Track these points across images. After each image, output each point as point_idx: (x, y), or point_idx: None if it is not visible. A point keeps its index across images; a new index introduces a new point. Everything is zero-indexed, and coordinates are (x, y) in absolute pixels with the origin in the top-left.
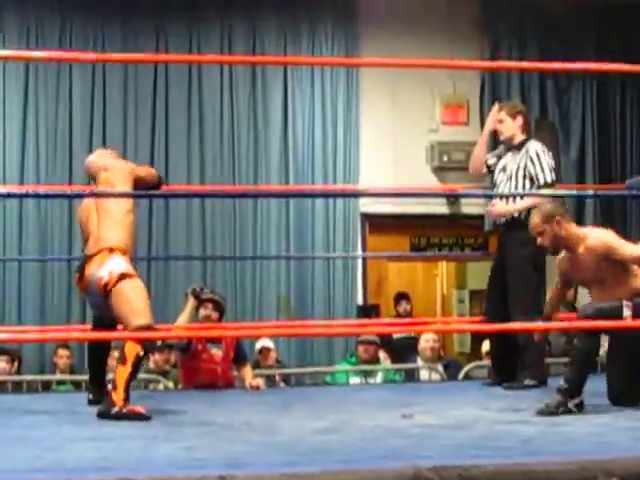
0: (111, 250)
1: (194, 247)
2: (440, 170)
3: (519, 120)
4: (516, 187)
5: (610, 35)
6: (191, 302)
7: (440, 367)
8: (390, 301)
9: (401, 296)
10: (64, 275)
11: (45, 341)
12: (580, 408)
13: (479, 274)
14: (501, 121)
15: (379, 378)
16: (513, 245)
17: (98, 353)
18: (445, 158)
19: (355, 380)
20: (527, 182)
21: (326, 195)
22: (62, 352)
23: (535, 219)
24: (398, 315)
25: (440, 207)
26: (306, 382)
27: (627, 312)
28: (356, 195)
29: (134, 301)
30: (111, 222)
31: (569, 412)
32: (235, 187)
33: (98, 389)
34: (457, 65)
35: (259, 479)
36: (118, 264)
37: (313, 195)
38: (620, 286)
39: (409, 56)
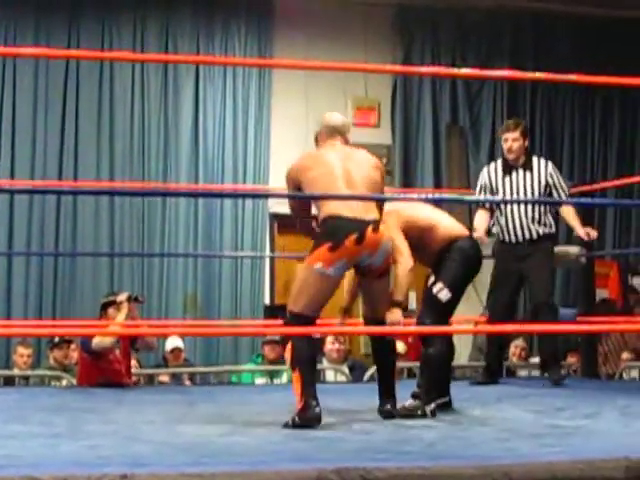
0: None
1: (102, 243)
2: None
3: (527, 140)
4: (539, 204)
5: (524, 41)
6: (127, 308)
7: (345, 368)
8: None
9: None
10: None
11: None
12: (434, 414)
13: None
14: (516, 140)
15: (285, 378)
16: (542, 254)
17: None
18: None
19: (261, 380)
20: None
21: (234, 195)
22: (22, 350)
23: None
24: None
25: None
26: (212, 381)
27: (436, 290)
28: (265, 196)
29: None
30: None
31: (424, 416)
32: (144, 184)
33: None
34: (368, 69)
35: (162, 479)
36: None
37: (221, 195)
38: (428, 249)
39: (324, 57)
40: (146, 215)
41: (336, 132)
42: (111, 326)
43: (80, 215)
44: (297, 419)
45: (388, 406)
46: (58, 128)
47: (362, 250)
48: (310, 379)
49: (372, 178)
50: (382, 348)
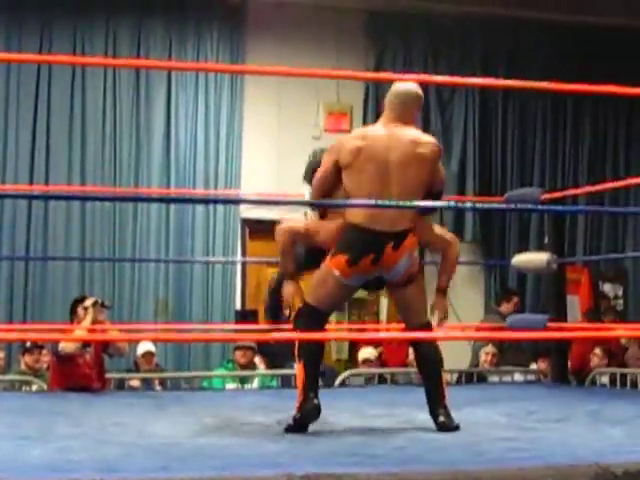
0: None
1: (73, 248)
2: None
3: None
4: None
5: (496, 48)
6: (93, 313)
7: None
8: None
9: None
10: None
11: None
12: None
13: None
14: None
15: (255, 384)
16: None
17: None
18: None
19: (231, 386)
20: None
21: (205, 201)
22: None
23: None
24: None
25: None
26: (183, 386)
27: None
28: (234, 202)
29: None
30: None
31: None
32: (116, 189)
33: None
34: (340, 75)
35: None
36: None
37: (192, 201)
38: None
39: (296, 63)
40: (117, 220)
41: (397, 103)
42: (76, 331)
43: (51, 219)
44: (297, 414)
45: (442, 418)
46: (30, 132)
47: (378, 268)
48: (313, 372)
49: (414, 176)
50: (422, 355)
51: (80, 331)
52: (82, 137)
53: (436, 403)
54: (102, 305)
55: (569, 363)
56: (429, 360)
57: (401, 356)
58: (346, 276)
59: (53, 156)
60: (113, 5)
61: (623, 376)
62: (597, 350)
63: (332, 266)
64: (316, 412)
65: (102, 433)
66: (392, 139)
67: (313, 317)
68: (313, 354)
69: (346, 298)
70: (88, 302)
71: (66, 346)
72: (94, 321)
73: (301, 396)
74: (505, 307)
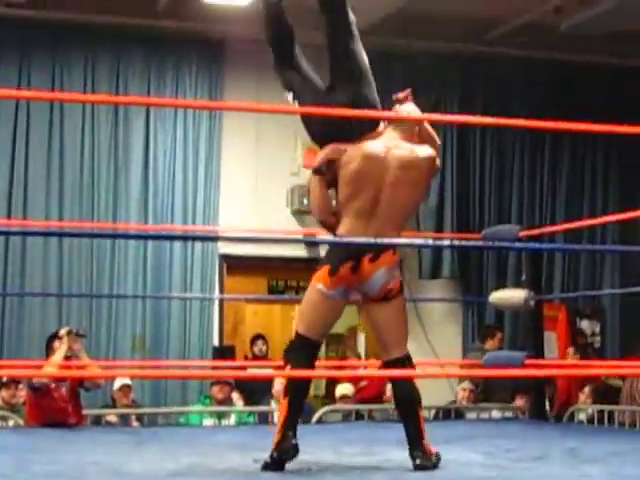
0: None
1: (50, 283)
2: (300, 213)
3: None
4: None
5: (474, 84)
6: (68, 342)
7: None
8: (247, 343)
9: (257, 337)
10: None
11: None
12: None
13: None
14: None
15: (232, 420)
16: None
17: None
18: (305, 201)
19: (209, 421)
20: None
21: (183, 237)
22: None
23: None
24: (254, 356)
25: (298, 250)
26: (160, 422)
27: None
28: (212, 239)
29: (404, 324)
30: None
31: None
32: (93, 224)
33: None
34: (319, 112)
35: None
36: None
37: (171, 237)
38: None
39: (274, 98)
40: (95, 255)
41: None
42: (51, 360)
43: (29, 254)
44: (274, 453)
45: (418, 461)
46: (8, 167)
47: (358, 278)
48: (296, 410)
49: (404, 196)
50: (399, 395)
51: (56, 359)
52: (60, 172)
53: (413, 444)
54: (77, 334)
55: (556, 399)
56: (406, 400)
57: (378, 389)
58: (328, 287)
59: (31, 191)
60: (92, 39)
61: (601, 413)
62: (586, 389)
63: (315, 281)
64: (294, 451)
65: (79, 472)
66: (385, 140)
67: (305, 350)
68: (300, 392)
69: (333, 317)
70: (62, 331)
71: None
72: (70, 349)
73: (279, 434)
74: (490, 344)
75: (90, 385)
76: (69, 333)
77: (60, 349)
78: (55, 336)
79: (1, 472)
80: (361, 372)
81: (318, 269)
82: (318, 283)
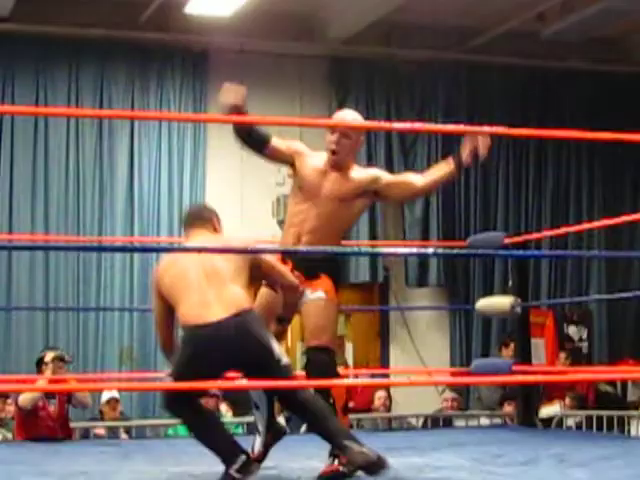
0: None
1: (37, 297)
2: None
3: None
4: None
5: (458, 93)
6: (52, 368)
7: (282, 419)
8: None
9: None
10: None
11: None
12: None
13: None
14: None
15: None
16: None
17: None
18: None
19: None
20: None
21: (169, 249)
22: None
23: None
24: None
25: None
26: (148, 434)
27: None
28: (198, 249)
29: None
30: None
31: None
32: (79, 238)
33: None
34: (303, 123)
35: None
36: None
37: (157, 249)
38: None
39: (258, 111)
40: (81, 268)
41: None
42: (36, 384)
43: (15, 269)
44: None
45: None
46: None
47: None
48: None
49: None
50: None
51: (40, 385)
52: (45, 186)
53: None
54: (62, 359)
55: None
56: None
57: (367, 398)
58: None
59: (16, 205)
60: (76, 52)
61: (589, 419)
62: (567, 399)
63: (328, 294)
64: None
65: None
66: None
67: (330, 357)
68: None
69: None
70: (47, 357)
71: (24, 400)
72: (54, 374)
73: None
74: (505, 352)
75: (77, 403)
76: (54, 360)
77: (45, 374)
78: (42, 360)
79: None
80: (348, 381)
81: (313, 278)
82: (331, 295)
